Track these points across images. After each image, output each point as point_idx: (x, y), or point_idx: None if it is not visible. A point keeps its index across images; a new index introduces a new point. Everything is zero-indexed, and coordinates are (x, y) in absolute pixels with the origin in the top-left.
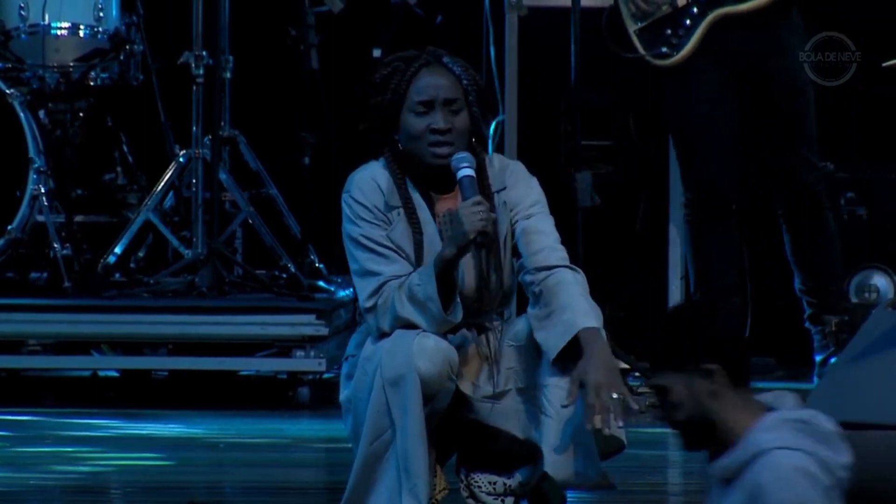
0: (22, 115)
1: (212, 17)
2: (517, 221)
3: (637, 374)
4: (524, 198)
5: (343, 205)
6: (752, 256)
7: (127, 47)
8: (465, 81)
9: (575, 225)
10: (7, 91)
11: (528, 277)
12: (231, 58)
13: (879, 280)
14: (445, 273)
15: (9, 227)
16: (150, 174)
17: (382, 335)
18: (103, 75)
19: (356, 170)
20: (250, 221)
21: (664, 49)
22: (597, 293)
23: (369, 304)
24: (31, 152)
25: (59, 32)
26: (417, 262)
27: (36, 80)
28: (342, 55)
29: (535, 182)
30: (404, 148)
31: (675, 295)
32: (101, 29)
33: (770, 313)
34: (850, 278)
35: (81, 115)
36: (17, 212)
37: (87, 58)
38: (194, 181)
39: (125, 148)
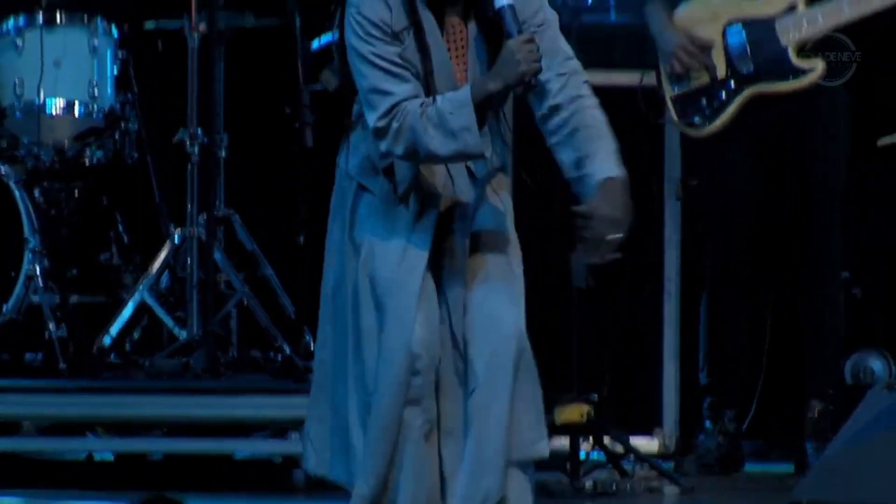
0: (17, 193)
1: (207, 95)
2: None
3: (633, 456)
4: (526, 8)
5: (350, 21)
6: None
7: (122, 125)
8: None
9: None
10: (2, 170)
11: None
12: (226, 135)
13: (875, 362)
14: (480, 105)
15: (3, 308)
16: (145, 253)
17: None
18: (98, 154)
19: None
20: (245, 302)
21: (696, 119)
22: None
23: (381, 124)
24: (26, 232)
25: (54, 111)
26: (427, 83)
27: (31, 158)
28: (337, 134)
29: None
30: None
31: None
32: (95, 107)
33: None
34: (846, 359)
35: (76, 194)
36: (11, 292)
37: (82, 136)
38: (189, 261)
39: (120, 227)
